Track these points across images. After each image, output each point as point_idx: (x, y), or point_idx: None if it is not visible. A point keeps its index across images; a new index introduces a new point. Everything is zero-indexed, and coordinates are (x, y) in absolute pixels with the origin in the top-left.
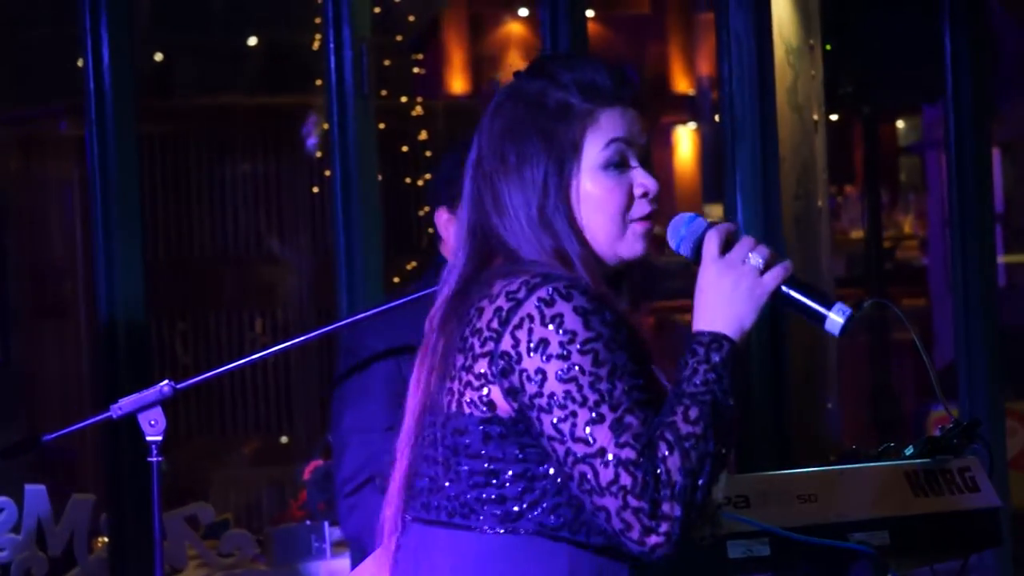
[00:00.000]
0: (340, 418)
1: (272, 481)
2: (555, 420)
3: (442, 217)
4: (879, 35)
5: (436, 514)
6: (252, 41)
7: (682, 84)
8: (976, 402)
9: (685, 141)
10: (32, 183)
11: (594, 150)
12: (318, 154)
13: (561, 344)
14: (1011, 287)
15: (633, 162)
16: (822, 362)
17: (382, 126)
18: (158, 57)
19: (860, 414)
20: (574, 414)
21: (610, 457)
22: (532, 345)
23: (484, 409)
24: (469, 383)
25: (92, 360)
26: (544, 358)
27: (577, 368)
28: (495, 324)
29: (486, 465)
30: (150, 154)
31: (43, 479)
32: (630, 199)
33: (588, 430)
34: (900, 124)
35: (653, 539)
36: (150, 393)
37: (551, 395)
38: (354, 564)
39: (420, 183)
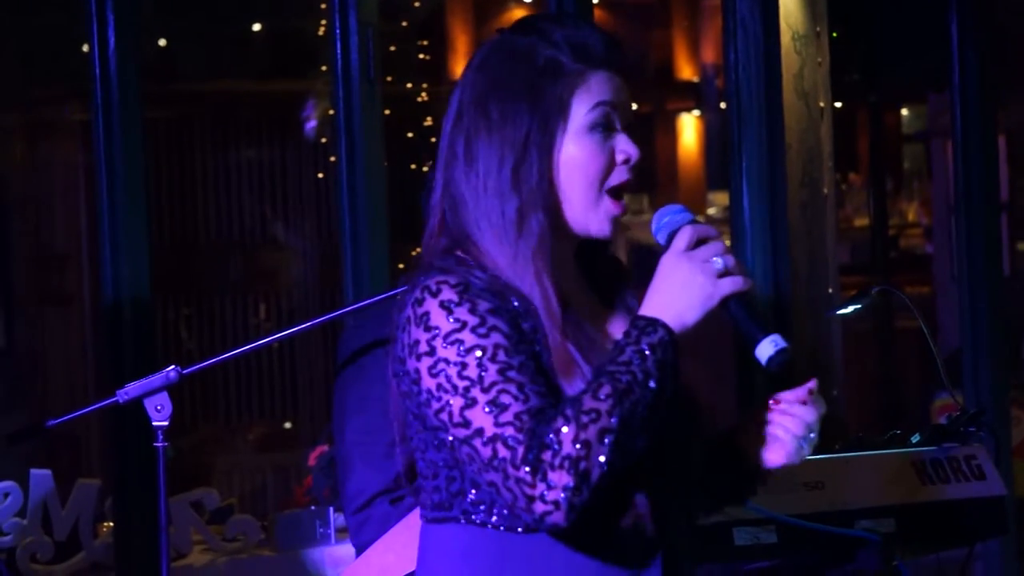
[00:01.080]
0: (342, 429)
1: (277, 467)
2: (434, 412)
3: None
4: (886, 23)
5: (420, 509)
6: (257, 27)
7: (687, 71)
8: (981, 390)
9: (689, 128)
10: (37, 168)
11: (581, 112)
12: (323, 140)
13: (427, 342)
14: (1016, 275)
15: (618, 126)
16: (827, 350)
17: (387, 112)
18: (162, 43)
19: (865, 402)
20: (448, 403)
21: (488, 435)
22: (409, 347)
23: (404, 407)
24: (394, 380)
25: (97, 345)
26: (416, 358)
27: (443, 361)
28: (394, 326)
29: (421, 456)
30: (155, 140)
31: (49, 464)
32: (611, 164)
33: (464, 414)
34: (904, 112)
35: (539, 507)
36: (156, 378)
37: (428, 391)
38: None
39: (425, 169)
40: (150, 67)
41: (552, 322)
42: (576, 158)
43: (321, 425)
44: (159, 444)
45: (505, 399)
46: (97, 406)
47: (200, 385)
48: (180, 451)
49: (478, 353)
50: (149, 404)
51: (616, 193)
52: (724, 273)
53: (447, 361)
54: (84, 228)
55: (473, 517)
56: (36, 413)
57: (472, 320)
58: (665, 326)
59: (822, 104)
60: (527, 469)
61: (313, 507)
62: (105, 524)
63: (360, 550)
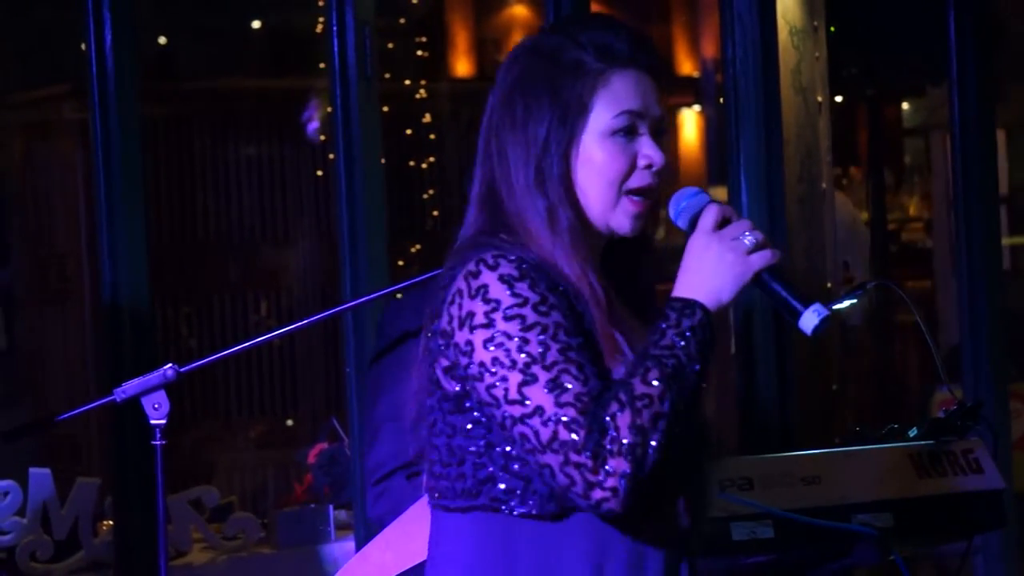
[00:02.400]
0: (375, 403)
1: (277, 464)
2: (488, 386)
3: None
4: (884, 16)
5: (431, 495)
6: (256, 24)
7: (686, 66)
8: (980, 384)
9: (689, 123)
10: (37, 167)
11: (604, 115)
12: (322, 137)
13: (485, 314)
14: (1016, 269)
15: (643, 131)
16: (826, 344)
17: (386, 109)
18: (162, 40)
19: (865, 396)
20: (504, 378)
21: (548, 415)
22: (461, 319)
23: (436, 387)
24: (426, 360)
25: (98, 344)
26: (470, 330)
27: (503, 334)
28: (438, 302)
29: (447, 442)
30: (154, 137)
31: (48, 462)
32: (631, 168)
33: (522, 391)
34: (905, 106)
35: (598, 493)
36: (153, 377)
37: (480, 363)
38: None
39: (424, 166)
40: (150, 65)
41: (599, 308)
42: (595, 160)
43: (321, 422)
44: (157, 442)
45: (566, 379)
46: (94, 404)
47: (201, 383)
48: (181, 449)
49: (539, 330)
50: (147, 402)
51: (636, 193)
52: (754, 249)
53: (507, 335)
54: (83, 226)
55: (503, 507)
56: (37, 411)
57: (533, 296)
58: (702, 307)
59: (820, 99)
60: (588, 454)
61: (313, 505)
62: (105, 523)
63: (374, 522)
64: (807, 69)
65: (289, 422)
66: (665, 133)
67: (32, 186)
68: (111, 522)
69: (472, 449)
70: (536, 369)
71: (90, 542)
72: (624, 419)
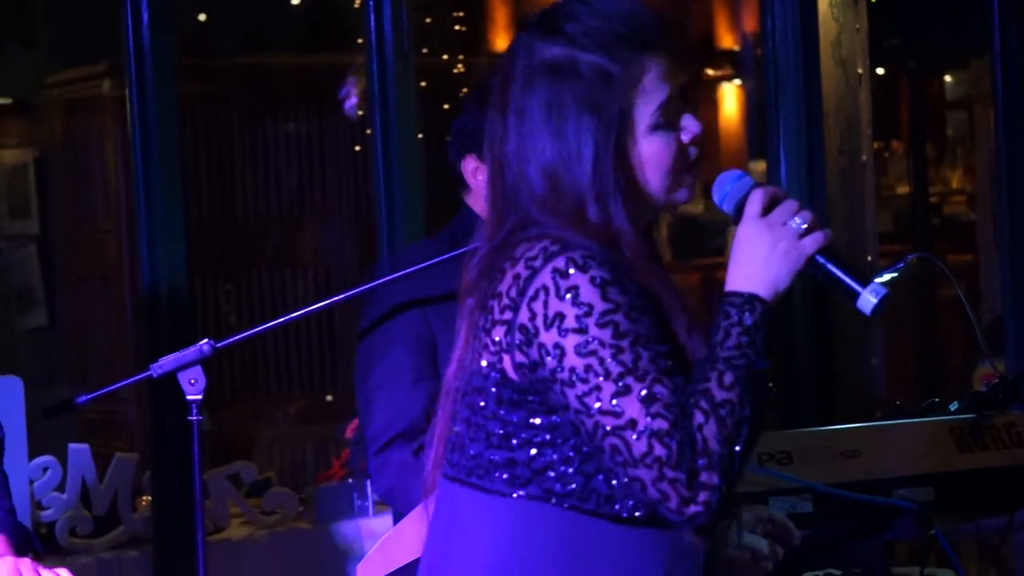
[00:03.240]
0: (366, 373)
1: (316, 439)
2: (579, 394)
3: (470, 165)
4: None
5: (456, 471)
6: (295, 0)
7: (727, 40)
8: (1023, 357)
9: (730, 97)
10: (76, 145)
11: (644, 115)
12: (360, 113)
13: (577, 318)
14: None
15: (681, 114)
16: (868, 317)
17: (423, 84)
18: (201, 17)
19: (906, 370)
20: (598, 388)
21: (641, 428)
22: (548, 319)
23: (497, 373)
24: (487, 346)
25: (137, 321)
26: (561, 333)
27: (597, 342)
28: (513, 292)
29: (499, 428)
30: (192, 114)
31: (86, 438)
32: (681, 150)
33: (615, 402)
34: (948, 78)
35: (692, 509)
36: (189, 352)
37: (572, 369)
38: (395, 521)
39: None
40: (188, 42)
41: (681, 314)
42: (647, 157)
43: None
44: (193, 418)
45: (657, 389)
46: (131, 380)
47: (240, 359)
48: (220, 424)
49: (632, 338)
50: (183, 378)
51: (691, 167)
52: (805, 232)
53: (601, 343)
54: (123, 204)
55: (564, 503)
56: (77, 388)
57: (624, 302)
58: (763, 300)
59: (860, 71)
60: (683, 471)
61: (351, 480)
62: (143, 498)
63: (381, 495)
64: (847, 41)
65: (328, 397)
66: (692, 98)
67: (73, 164)
68: (149, 497)
69: (528, 438)
70: (630, 380)
71: (129, 517)
72: (711, 430)
